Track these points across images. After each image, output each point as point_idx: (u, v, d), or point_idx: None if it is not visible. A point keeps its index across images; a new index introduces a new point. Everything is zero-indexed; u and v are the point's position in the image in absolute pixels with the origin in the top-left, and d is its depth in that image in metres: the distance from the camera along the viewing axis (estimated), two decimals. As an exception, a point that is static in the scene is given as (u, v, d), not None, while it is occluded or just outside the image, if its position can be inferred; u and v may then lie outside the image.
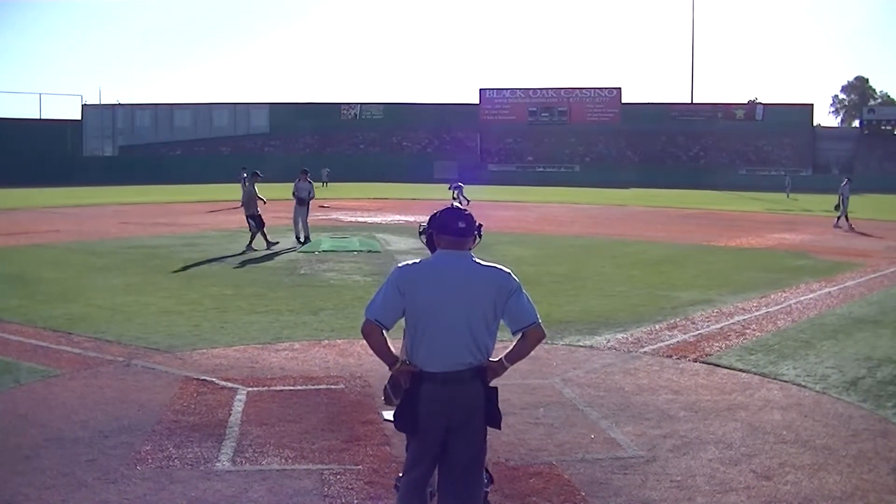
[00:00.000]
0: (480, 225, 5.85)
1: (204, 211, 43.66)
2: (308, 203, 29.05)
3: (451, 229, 5.69)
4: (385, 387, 5.96)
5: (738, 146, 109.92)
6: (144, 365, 11.41)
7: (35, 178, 75.13)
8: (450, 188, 51.73)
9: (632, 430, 8.95)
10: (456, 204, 6.03)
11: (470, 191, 51.42)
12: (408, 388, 5.64)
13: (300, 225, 28.62)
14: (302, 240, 28.11)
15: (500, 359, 5.66)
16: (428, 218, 5.99)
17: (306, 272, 20.96)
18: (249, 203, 26.71)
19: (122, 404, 9.62)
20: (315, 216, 39.72)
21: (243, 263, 22.54)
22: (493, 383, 5.70)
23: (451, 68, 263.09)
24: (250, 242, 25.93)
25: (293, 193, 29.36)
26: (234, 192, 52.83)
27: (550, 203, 56.03)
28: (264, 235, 26.17)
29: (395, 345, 5.64)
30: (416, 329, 5.59)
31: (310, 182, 29.46)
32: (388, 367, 5.70)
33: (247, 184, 49.47)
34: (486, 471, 6.22)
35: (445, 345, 5.51)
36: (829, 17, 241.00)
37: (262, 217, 26.49)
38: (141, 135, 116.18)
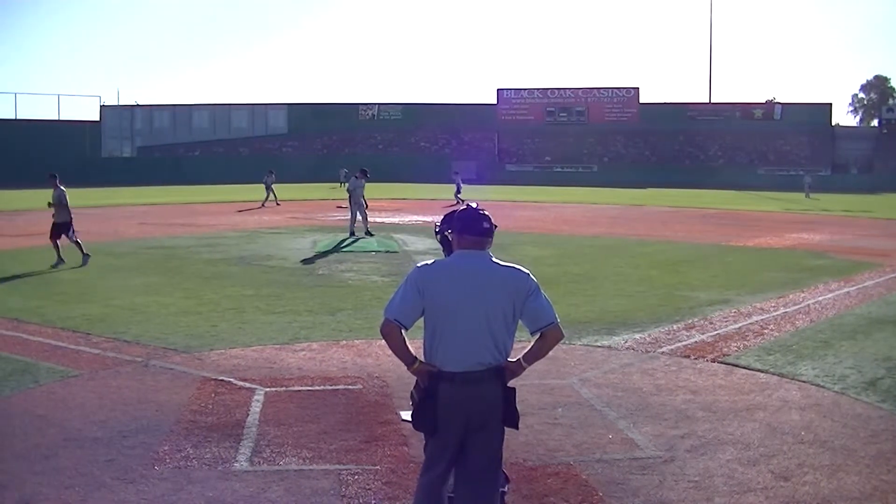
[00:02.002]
0: (496, 226, 5.86)
1: (223, 212, 43.69)
2: (361, 198, 30.18)
3: (476, 229, 5.69)
4: (411, 392, 5.95)
5: (757, 146, 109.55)
6: (163, 365, 11.45)
7: (54, 179, 75.31)
8: (454, 181, 52.01)
9: (650, 430, 8.94)
10: (470, 203, 6.02)
11: (486, 191, 51.47)
12: (426, 387, 5.64)
13: (357, 219, 30.09)
14: (357, 234, 29.62)
15: (518, 359, 5.67)
16: (442, 218, 5.98)
17: (324, 272, 20.99)
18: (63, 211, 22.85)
19: (141, 404, 9.66)
20: (333, 216, 39.91)
21: (261, 264, 22.57)
22: (510, 383, 5.71)
23: (468, 69, 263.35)
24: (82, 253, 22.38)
25: (348, 190, 30.83)
26: (255, 192, 53.04)
27: (568, 203, 55.96)
28: (57, 248, 22.31)
29: (413, 344, 5.64)
30: (435, 329, 5.59)
31: (363, 181, 30.58)
32: (406, 367, 5.70)
33: (269, 182, 49.88)
34: (503, 472, 6.22)
35: (465, 345, 5.52)
36: (848, 15, 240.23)
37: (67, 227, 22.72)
38: (159, 136, 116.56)
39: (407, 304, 5.57)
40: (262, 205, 48.70)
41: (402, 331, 5.55)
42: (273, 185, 50.42)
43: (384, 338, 5.64)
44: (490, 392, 5.57)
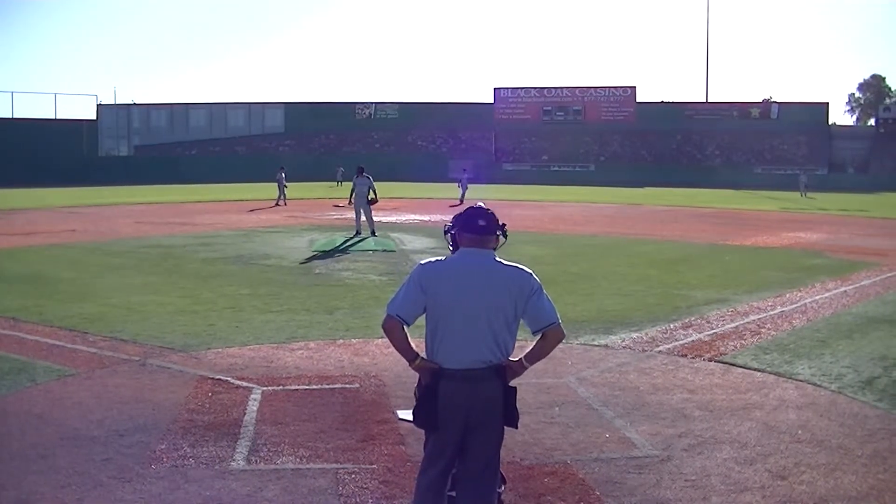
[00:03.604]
0: (504, 225, 5.88)
1: (220, 211, 43.65)
2: (366, 197, 30.23)
3: (472, 227, 5.72)
4: (415, 391, 5.95)
5: (754, 145, 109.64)
6: (160, 364, 11.44)
7: (51, 178, 75.28)
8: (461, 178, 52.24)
9: (647, 429, 8.94)
10: (479, 202, 6.04)
11: (485, 190, 51.41)
12: (427, 384, 5.66)
13: (361, 219, 30.29)
14: (363, 233, 29.79)
15: (520, 358, 5.69)
16: (453, 217, 6.01)
17: (321, 271, 20.98)
18: None
19: (138, 403, 9.65)
20: (329, 215, 39.93)
21: (258, 263, 22.56)
22: (512, 383, 5.73)
23: (465, 68, 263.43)
24: None
25: (352, 191, 31.00)
26: (254, 191, 52.96)
27: (565, 202, 55.97)
28: None
29: (414, 342, 5.67)
30: (436, 326, 5.62)
31: (367, 177, 30.57)
32: (408, 363, 5.73)
33: (281, 179, 49.69)
34: (500, 473, 6.23)
35: (465, 342, 5.55)
36: (845, 15, 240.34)
37: None
38: (156, 134, 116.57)
39: (409, 301, 5.61)
40: (277, 203, 48.49)
41: (404, 327, 5.58)
42: (285, 184, 50.22)
43: (386, 334, 5.67)
44: (490, 390, 5.59)
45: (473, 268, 5.65)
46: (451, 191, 55.53)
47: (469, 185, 53.07)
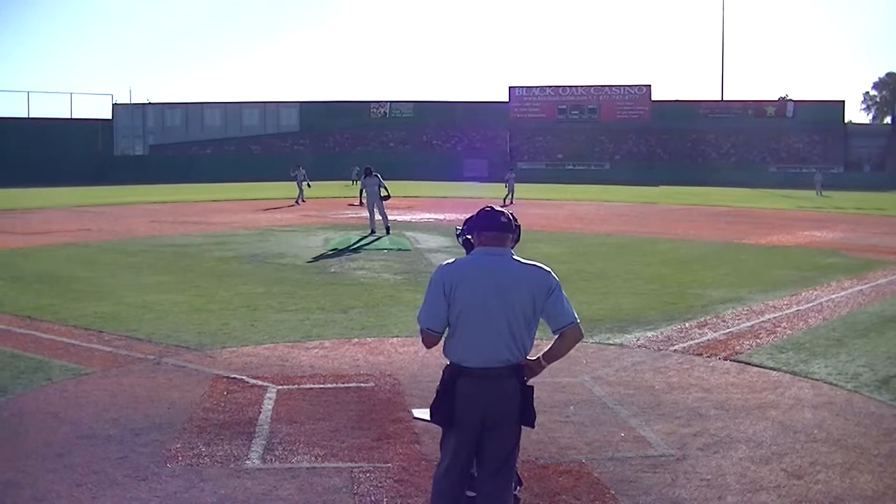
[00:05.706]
0: (519, 226, 5.90)
1: (235, 210, 43.74)
2: (378, 195, 30.31)
3: (494, 224, 5.74)
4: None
5: (769, 143, 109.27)
6: (175, 363, 11.46)
7: (66, 178, 75.61)
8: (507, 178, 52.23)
9: (662, 428, 8.92)
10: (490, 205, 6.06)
11: (499, 188, 51.38)
12: (444, 381, 5.70)
13: (376, 218, 30.40)
14: (378, 232, 29.94)
15: (538, 357, 5.72)
16: (464, 220, 6.02)
17: (336, 270, 20.98)
18: None
19: (153, 402, 9.67)
20: (344, 214, 39.95)
21: (273, 262, 22.59)
22: (530, 381, 5.73)
23: (480, 67, 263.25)
24: None
25: (361, 191, 31.43)
26: (269, 190, 52.98)
27: (580, 201, 55.91)
28: None
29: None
30: (455, 325, 5.65)
31: (377, 176, 30.62)
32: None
33: (299, 177, 49.52)
34: (516, 473, 6.23)
35: (484, 341, 5.56)
36: (860, 12, 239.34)
37: None
38: (171, 134, 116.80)
39: (437, 308, 5.65)
40: (297, 201, 48.45)
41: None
42: (303, 182, 50.28)
43: (425, 346, 5.86)
44: (508, 389, 5.61)
45: (492, 267, 5.66)
46: (466, 189, 55.47)
47: (472, 184, 52.96)
